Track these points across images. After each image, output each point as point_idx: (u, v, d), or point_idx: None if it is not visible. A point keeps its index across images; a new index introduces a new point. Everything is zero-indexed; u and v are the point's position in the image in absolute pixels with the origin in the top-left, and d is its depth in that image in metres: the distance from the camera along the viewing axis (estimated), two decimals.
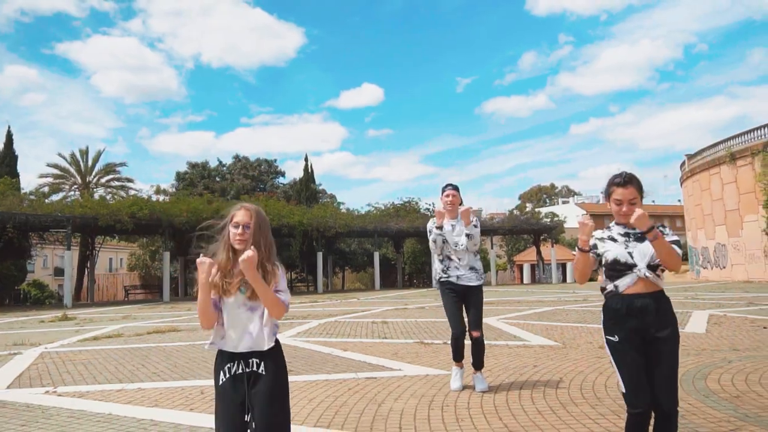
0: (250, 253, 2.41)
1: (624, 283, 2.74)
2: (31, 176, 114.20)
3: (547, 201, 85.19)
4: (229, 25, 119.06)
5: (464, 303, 5.24)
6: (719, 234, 31.69)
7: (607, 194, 2.84)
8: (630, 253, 2.74)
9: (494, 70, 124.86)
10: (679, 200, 48.30)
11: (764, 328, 8.82)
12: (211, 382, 5.74)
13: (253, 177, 47.67)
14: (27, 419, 4.52)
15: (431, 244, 5.25)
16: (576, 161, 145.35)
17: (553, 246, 38.44)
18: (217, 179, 47.01)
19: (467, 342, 5.22)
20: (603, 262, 2.81)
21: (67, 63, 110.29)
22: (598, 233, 2.88)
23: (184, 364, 7.03)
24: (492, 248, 39.03)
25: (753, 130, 29.62)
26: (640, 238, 2.76)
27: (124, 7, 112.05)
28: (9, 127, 33.58)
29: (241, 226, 2.54)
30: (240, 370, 2.52)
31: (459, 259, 5.18)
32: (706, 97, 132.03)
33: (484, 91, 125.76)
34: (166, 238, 27.83)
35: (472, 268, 5.22)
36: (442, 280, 5.26)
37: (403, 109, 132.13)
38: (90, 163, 38.02)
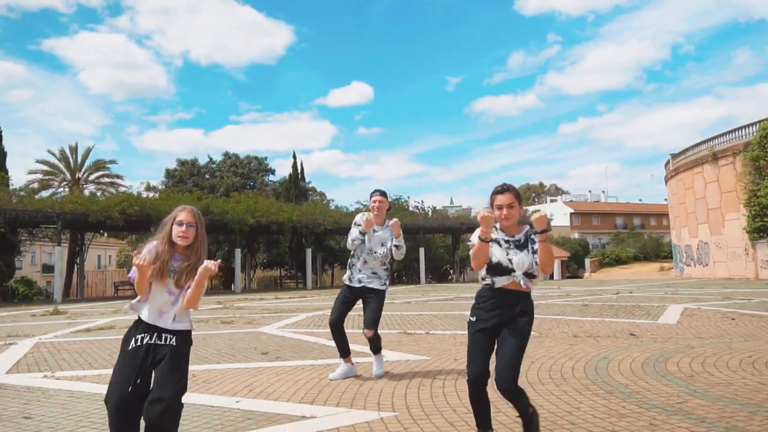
0: (213, 266, 2.84)
1: (500, 282, 3.19)
2: (18, 173, 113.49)
3: (536, 200, 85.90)
4: (217, 23, 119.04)
5: (363, 303, 5.42)
6: (702, 232, 32.31)
7: (491, 202, 3.20)
8: (510, 260, 3.16)
9: (484, 70, 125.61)
10: (665, 199, 49.01)
11: (732, 319, 9.24)
12: (200, 367, 6.03)
13: (243, 174, 47.79)
14: (29, 399, 4.80)
15: (349, 242, 5.41)
16: (565, 161, 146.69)
17: None
18: (207, 176, 47.08)
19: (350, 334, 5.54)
20: (487, 261, 3.20)
21: (55, 59, 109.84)
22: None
23: None
24: None
25: (735, 130, 30.24)
26: (519, 246, 3.18)
27: (112, 4, 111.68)
28: None
29: (185, 225, 2.92)
30: (151, 341, 2.85)
31: (365, 263, 5.35)
32: (693, 97, 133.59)
33: (474, 90, 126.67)
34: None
35: (374, 274, 5.37)
36: (346, 284, 5.46)
37: (393, 107, 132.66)
38: (80, 159, 38.05)
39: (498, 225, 3.24)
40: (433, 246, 41.90)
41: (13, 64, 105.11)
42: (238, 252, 31.40)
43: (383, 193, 5.50)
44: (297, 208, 32.92)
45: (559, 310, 11.94)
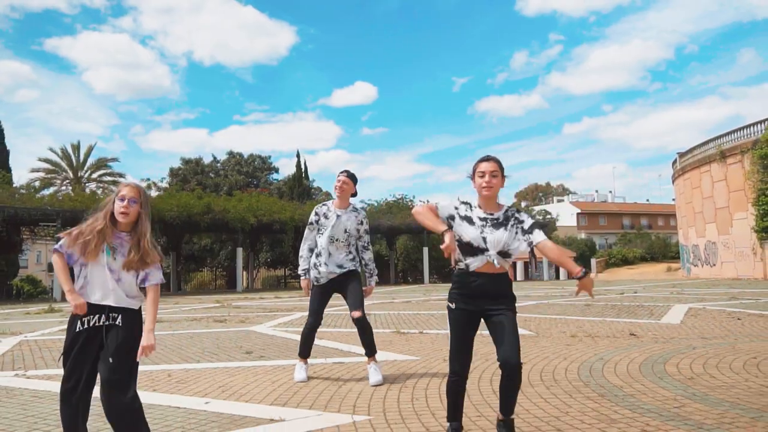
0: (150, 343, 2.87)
1: (474, 264, 2.96)
2: (24, 173, 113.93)
3: (543, 199, 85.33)
4: (220, 23, 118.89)
5: (341, 289, 5.00)
6: (710, 232, 31.84)
7: (473, 171, 3.05)
8: (484, 238, 2.95)
9: (487, 70, 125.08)
10: (673, 199, 48.44)
11: (738, 319, 8.91)
12: (177, 366, 5.76)
13: (247, 173, 47.69)
14: None
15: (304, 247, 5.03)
16: (571, 161, 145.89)
17: None
18: (211, 175, 47.00)
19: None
20: (459, 240, 2.98)
21: (59, 60, 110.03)
22: (461, 209, 3.06)
23: (158, 351, 7.07)
24: None
25: (743, 128, 29.79)
26: (497, 224, 2.98)
27: (115, 4, 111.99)
28: (0, 122, 33.48)
29: (126, 200, 2.79)
30: (99, 323, 2.79)
31: (330, 255, 4.91)
32: (699, 97, 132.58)
33: (478, 90, 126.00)
34: (156, 233, 27.84)
35: (349, 256, 5.00)
36: (315, 284, 5.01)
37: (397, 108, 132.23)
38: (82, 157, 37.98)
39: (476, 201, 3.07)
40: (438, 245, 41.53)
41: (19, 64, 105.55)
42: (239, 251, 31.21)
43: (350, 175, 5.00)
44: (299, 206, 32.67)
45: (560, 309, 11.63)
